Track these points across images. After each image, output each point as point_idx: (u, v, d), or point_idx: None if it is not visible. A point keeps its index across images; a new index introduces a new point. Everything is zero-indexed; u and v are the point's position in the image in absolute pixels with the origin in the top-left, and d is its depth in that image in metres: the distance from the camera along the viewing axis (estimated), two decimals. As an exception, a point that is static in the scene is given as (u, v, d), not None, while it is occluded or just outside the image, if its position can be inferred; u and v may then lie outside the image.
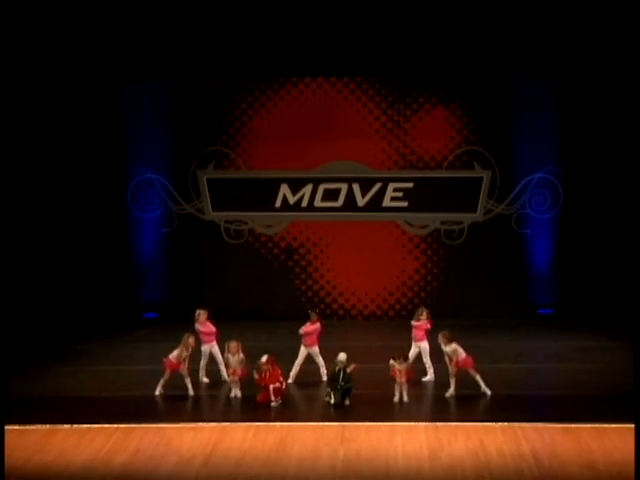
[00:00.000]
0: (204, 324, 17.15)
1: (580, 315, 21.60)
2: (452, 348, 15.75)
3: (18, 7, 19.21)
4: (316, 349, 16.94)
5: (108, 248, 22.17)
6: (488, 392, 15.77)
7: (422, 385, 16.41)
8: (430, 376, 16.85)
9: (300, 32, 20.49)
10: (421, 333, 16.91)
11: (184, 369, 16.17)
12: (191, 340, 16.25)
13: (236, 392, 16.05)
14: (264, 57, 21.10)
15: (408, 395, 15.74)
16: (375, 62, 21.24)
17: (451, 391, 15.89)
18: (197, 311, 17.30)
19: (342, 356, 15.71)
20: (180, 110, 22.08)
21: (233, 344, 16.16)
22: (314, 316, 17.09)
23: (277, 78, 22.14)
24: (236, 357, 16.05)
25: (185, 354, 16.14)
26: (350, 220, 22.37)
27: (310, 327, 16.97)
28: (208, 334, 17.06)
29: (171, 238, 22.52)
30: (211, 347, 17.04)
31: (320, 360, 16.94)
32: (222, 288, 21.78)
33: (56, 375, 16.81)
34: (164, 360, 16.17)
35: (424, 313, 17.05)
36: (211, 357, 17.08)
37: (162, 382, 16.18)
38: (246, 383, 16.05)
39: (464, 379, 15.97)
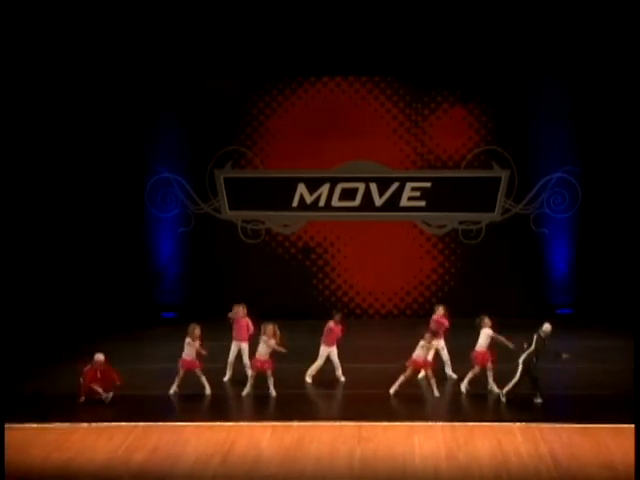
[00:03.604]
0: (242, 319, 16.92)
1: (598, 315, 21.51)
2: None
3: (39, 11, 19.43)
4: (335, 349, 16.92)
5: (126, 247, 22.23)
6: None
7: (439, 383, 16.34)
8: (451, 373, 16.86)
9: (318, 31, 20.50)
10: (440, 330, 16.90)
11: (199, 369, 16.18)
12: (197, 331, 16.19)
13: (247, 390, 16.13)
14: (282, 56, 21.11)
15: (425, 391, 15.83)
16: (393, 61, 21.22)
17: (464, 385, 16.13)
18: (234, 306, 17.03)
19: (548, 327, 15.58)
20: (198, 109, 22.10)
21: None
22: (337, 317, 17.03)
23: (295, 77, 22.15)
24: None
25: (196, 345, 16.09)
26: (367, 220, 22.36)
27: (334, 328, 16.89)
28: (240, 330, 16.86)
29: (188, 237, 22.57)
30: (241, 345, 16.88)
31: (337, 360, 16.92)
32: (239, 287, 21.72)
33: (74, 373, 16.83)
34: (179, 360, 16.24)
35: (440, 309, 17.10)
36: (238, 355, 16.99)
37: (177, 381, 16.22)
38: (259, 382, 16.07)
39: (481, 377, 16.03)
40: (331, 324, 16.88)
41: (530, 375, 15.48)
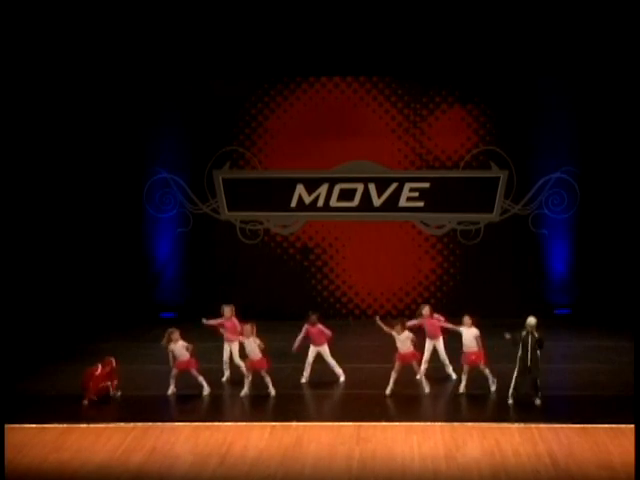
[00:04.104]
0: (229, 320, 17.05)
1: (597, 315, 21.49)
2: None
3: (40, 10, 19.45)
4: (325, 349, 16.91)
5: (124, 248, 22.21)
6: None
7: (438, 384, 16.34)
8: (451, 373, 16.87)
9: (317, 32, 20.49)
10: (434, 329, 16.93)
11: (195, 369, 16.18)
12: (175, 334, 16.19)
13: (245, 391, 16.14)
14: (280, 57, 21.10)
15: (422, 391, 15.90)
16: (392, 61, 21.20)
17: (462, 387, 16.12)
18: (222, 307, 17.18)
19: (532, 320, 15.60)
20: (196, 110, 22.08)
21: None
22: (314, 318, 17.03)
23: (294, 78, 22.13)
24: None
25: (181, 344, 16.13)
26: (366, 220, 22.34)
27: (310, 329, 16.94)
28: (230, 330, 16.94)
29: (187, 238, 22.55)
30: (232, 345, 16.95)
31: (331, 360, 16.91)
32: (238, 288, 21.75)
33: (73, 374, 16.86)
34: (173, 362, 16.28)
35: (426, 308, 17.08)
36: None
37: (173, 382, 16.23)
38: (257, 382, 16.07)
39: (477, 377, 16.05)
40: (305, 327, 16.94)
41: (531, 376, 15.46)
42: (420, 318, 17.06)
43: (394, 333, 16.00)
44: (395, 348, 16.06)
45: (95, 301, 21.91)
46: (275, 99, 22.26)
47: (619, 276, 21.59)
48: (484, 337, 16.24)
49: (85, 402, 15.77)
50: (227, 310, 17.08)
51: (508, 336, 15.63)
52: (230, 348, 16.97)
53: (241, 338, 16.24)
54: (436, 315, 17.09)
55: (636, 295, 19.66)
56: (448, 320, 17.05)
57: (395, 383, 15.95)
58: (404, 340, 15.94)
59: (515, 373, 15.49)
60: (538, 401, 15.43)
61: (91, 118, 21.81)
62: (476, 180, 22.17)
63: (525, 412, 15.02)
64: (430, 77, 21.88)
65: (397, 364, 16.00)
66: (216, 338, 17.13)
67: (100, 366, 16.13)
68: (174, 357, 16.23)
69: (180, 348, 16.18)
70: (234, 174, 22.43)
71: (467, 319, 16.18)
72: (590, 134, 21.59)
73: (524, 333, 15.54)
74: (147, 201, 22.43)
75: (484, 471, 12.77)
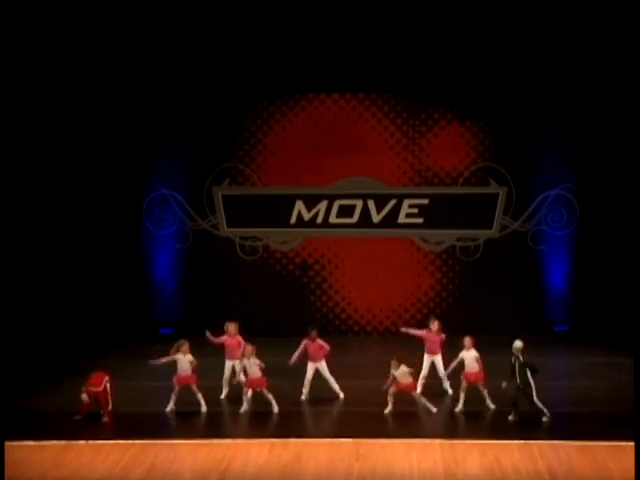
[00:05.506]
0: (233, 337, 17.03)
1: (596, 332, 21.48)
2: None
3: (43, 22, 19.55)
4: (323, 365, 16.90)
5: (123, 264, 22.21)
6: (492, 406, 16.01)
7: (437, 400, 16.32)
8: (447, 388, 16.87)
9: (315, 49, 20.57)
10: (435, 345, 16.95)
11: (195, 385, 16.16)
12: (185, 346, 16.20)
13: (245, 407, 16.11)
14: (280, 73, 21.17)
15: (421, 409, 15.85)
16: (390, 78, 21.27)
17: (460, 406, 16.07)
18: (226, 324, 17.14)
19: (517, 343, 15.58)
20: (195, 126, 22.13)
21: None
22: (314, 333, 17.05)
23: (292, 94, 22.19)
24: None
25: (188, 358, 16.12)
26: (365, 236, 22.36)
27: (310, 344, 16.96)
28: (233, 348, 16.92)
29: (186, 254, 22.56)
30: (235, 362, 16.90)
31: (329, 376, 16.90)
32: (237, 304, 21.73)
33: (72, 391, 16.84)
34: (174, 377, 16.23)
35: (435, 323, 17.10)
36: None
37: (173, 398, 16.20)
38: (257, 398, 16.05)
39: (477, 395, 16.03)
40: (305, 341, 16.94)
41: (525, 396, 15.44)
42: (426, 330, 17.10)
43: (393, 371, 15.85)
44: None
45: (95, 317, 21.88)
46: (274, 116, 22.31)
47: (618, 293, 21.57)
48: (483, 354, 16.23)
49: (106, 419, 15.83)
50: (231, 327, 17.05)
51: (504, 385, 15.61)
52: (233, 365, 16.92)
53: (242, 359, 16.19)
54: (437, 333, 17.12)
55: (635, 312, 19.66)
56: (448, 337, 17.08)
57: (394, 404, 15.92)
58: (402, 375, 15.88)
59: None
60: (545, 419, 15.38)
61: (91, 134, 21.84)
62: (475, 196, 22.20)
63: (525, 429, 14.99)
64: (428, 94, 21.95)
65: (392, 388, 15.93)
66: (215, 354, 17.11)
67: (95, 378, 16.10)
68: (176, 369, 16.19)
69: (185, 361, 16.15)
70: (233, 190, 22.46)
71: (468, 341, 16.16)
72: (589, 151, 21.62)
73: (512, 357, 15.54)
74: (146, 217, 22.45)
75: (484, 488, 12.77)
